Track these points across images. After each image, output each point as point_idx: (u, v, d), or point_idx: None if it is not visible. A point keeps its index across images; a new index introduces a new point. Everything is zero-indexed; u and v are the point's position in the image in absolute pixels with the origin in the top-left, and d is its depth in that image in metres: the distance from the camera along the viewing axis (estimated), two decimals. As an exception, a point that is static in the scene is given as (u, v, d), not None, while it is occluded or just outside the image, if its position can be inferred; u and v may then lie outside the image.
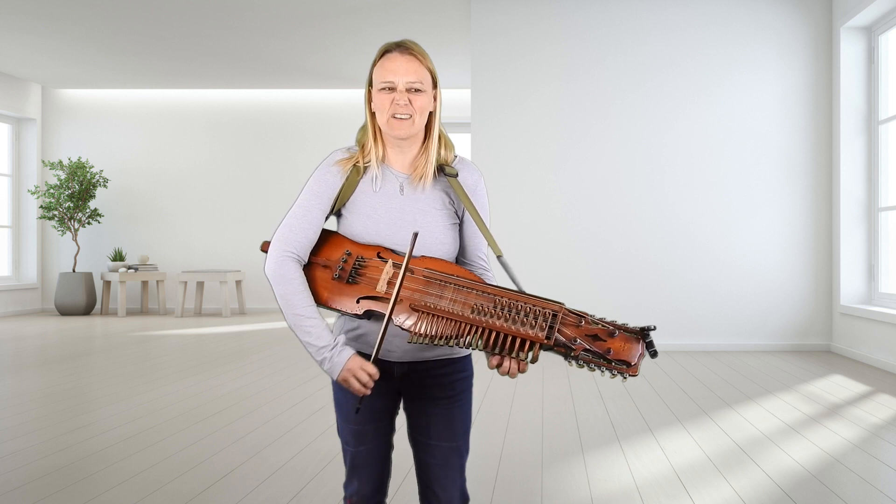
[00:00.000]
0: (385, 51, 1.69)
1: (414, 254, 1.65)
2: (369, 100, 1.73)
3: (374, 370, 1.60)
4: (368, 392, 1.61)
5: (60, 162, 9.88)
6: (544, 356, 6.15)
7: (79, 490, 2.88)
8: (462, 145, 8.26)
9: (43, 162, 10.29)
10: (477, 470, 3.10)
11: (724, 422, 3.94)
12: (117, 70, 9.53)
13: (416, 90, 1.66)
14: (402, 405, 1.81)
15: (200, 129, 10.70)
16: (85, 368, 5.68)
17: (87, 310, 9.97)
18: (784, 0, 6.63)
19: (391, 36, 7.97)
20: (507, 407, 4.29)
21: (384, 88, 1.67)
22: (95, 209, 10.15)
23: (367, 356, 1.69)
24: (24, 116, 10.35)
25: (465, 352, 1.77)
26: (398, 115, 1.66)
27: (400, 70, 1.66)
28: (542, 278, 6.52)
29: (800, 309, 6.58)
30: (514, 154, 6.74)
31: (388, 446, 1.80)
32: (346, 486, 1.80)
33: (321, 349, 1.63)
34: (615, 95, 6.71)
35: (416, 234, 1.59)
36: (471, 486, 2.85)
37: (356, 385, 1.61)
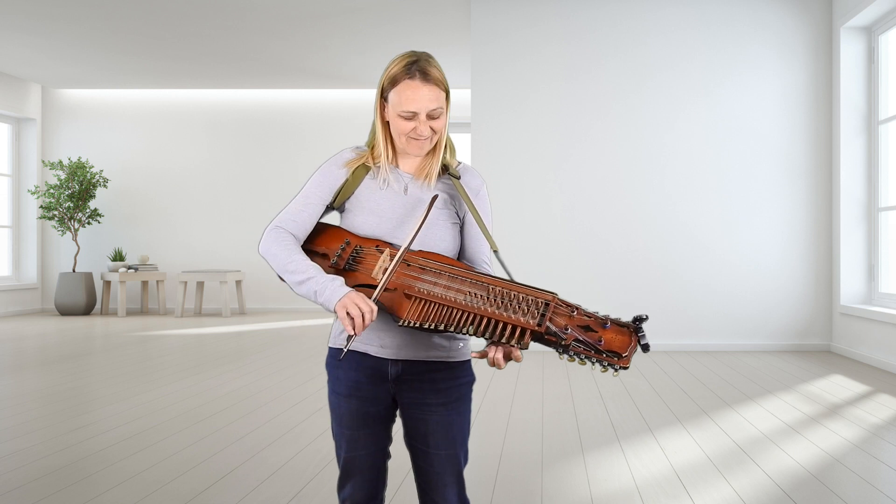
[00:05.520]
0: (406, 74, 1.64)
1: (413, 248, 1.66)
2: (381, 109, 1.71)
3: (374, 307, 1.56)
4: (363, 328, 1.54)
5: (60, 162, 9.88)
6: (543, 354, 6.15)
7: (79, 490, 2.88)
8: (462, 145, 8.26)
9: (43, 162, 10.29)
10: (477, 470, 3.10)
11: (724, 422, 3.94)
12: (117, 70, 9.53)
13: (436, 117, 1.67)
14: (398, 412, 1.78)
15: (200, 129, 10.70)
16: (85, 368, 5.67)
17: (87, 310, 9.97)
18: (784, 0, 6.63)
19: (391, 36, 7.97)
20: (507, 407, 4.29)
21: (405, 116, 1.65)
22: (95, 209, 10.15)
23: (360, 354, 1.71)
24: (24, 116, 10.35)
25: (464, 356, 1.75)
26: (417, 138, 1.67)
27: (423, 100, 1.64)
28: (542, 278, 6.51)
29: (800, 309, 6.58)
30: (514, 154, 6.74)
31: (383, 454, 1.77)
32: (339, 490, 1.78)
33: (323, 281, 1.60)
34: (615, 95, 6.71)
35: (435, 197, 1.63)
36: (471, 486, 2.85)
37: (355, 311, 1.53)
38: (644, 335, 1.46)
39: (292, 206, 1.73)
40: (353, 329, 1.54)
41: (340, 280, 1.61)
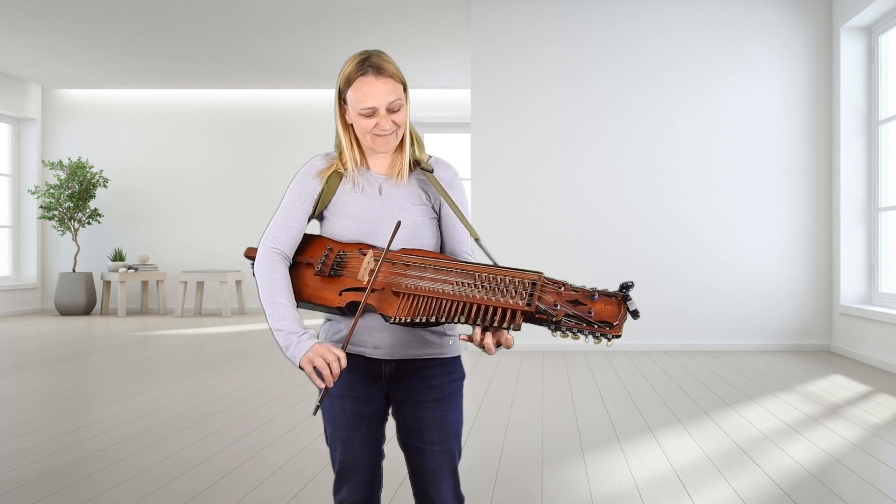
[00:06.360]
0: (359, 72, 1.65)
1: (394, 248, 1.67)
2: (342, 113, 1.72)
3: (341, 353, 1.56)
4: (333, 379, 1.56)
5: (60, 162, 9.88)
6: (543, 354, 6.15)
7: (79, 490, 2.88)
8: (462, 145, 8.26)
9: (43, 162, 10.29)
10: (477, 470, 3.10)
11: (724, 422, 3.94)
12: (117, 70, 9.53)
13: (396, 109, 1.67)
14: (391, 411, 1.78)
15: (200, 129, 10.70)
16: (85, 368, 5.68)
17: (87, 310, 9.97)
18: (784, 0, 6.63)
19: (391, 36, 7.97)
20: (507, 407, 4.29)
21: (365, 113, 1.65)
22: (95, 209, 10.15)
23: (354, 355, 1.70)
24: (24, 116, 10.35)
25: (454, 352, 1.77)
26: (381, 134, 1.68)
27: (379, 94, 1.64)
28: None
29: (800, 309, 6.58)
30: (514, 154, 6.74)
31: (378, 455, 1.77)
32: (335, 493, 1.77)
33: (289, 334, 1.60)
34: (615, 95, 6.71)
35: (398, 224, 1.62)
36: (471, 485, 2.85)
37: (321, 363, 1.55)
38: (632, 301, 1.47)
39: (277, 222, 1.73)
40: (324, 381, 1.55)
41: (310, 332, 1.61)
